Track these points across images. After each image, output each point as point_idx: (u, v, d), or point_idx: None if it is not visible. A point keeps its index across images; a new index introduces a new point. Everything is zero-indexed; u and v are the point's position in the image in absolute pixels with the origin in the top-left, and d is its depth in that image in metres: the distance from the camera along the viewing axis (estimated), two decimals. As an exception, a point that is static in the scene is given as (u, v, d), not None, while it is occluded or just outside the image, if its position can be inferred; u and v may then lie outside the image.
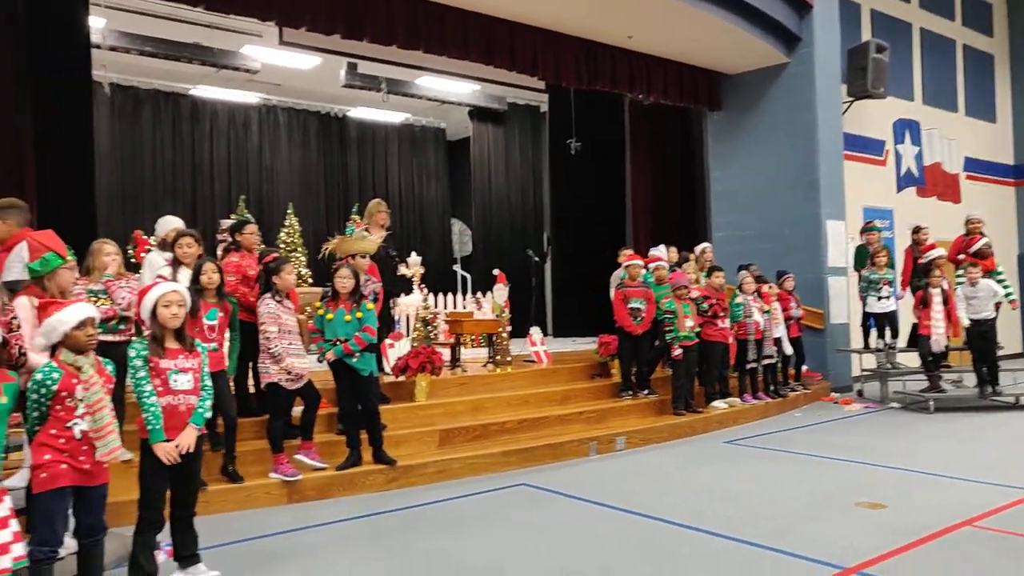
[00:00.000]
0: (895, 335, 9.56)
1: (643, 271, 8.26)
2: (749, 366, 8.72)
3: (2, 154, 6.60)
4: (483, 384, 7.86)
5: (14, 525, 2.93)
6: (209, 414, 3.88)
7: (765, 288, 8.97)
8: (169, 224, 5.86)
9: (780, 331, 9.03)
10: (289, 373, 5.34)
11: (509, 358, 8.53)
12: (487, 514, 5.17)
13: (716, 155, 11.77)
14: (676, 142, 13.14)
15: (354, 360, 5.62)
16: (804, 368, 10.02)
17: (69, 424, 3.32)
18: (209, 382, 3.86)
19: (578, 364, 8.88)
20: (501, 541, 4.59)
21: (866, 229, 10.15)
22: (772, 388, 9.11)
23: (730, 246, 11.04)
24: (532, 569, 4.12)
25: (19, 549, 2.93)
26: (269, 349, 5.36)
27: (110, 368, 3.57)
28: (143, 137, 13.11)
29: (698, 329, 8.01)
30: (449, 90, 13.62)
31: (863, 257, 9.95)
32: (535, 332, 9.19)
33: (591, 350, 9.36)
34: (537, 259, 11.26)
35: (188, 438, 3.65)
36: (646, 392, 8.18)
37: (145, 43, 10.60)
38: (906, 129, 12.71)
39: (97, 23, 9.46)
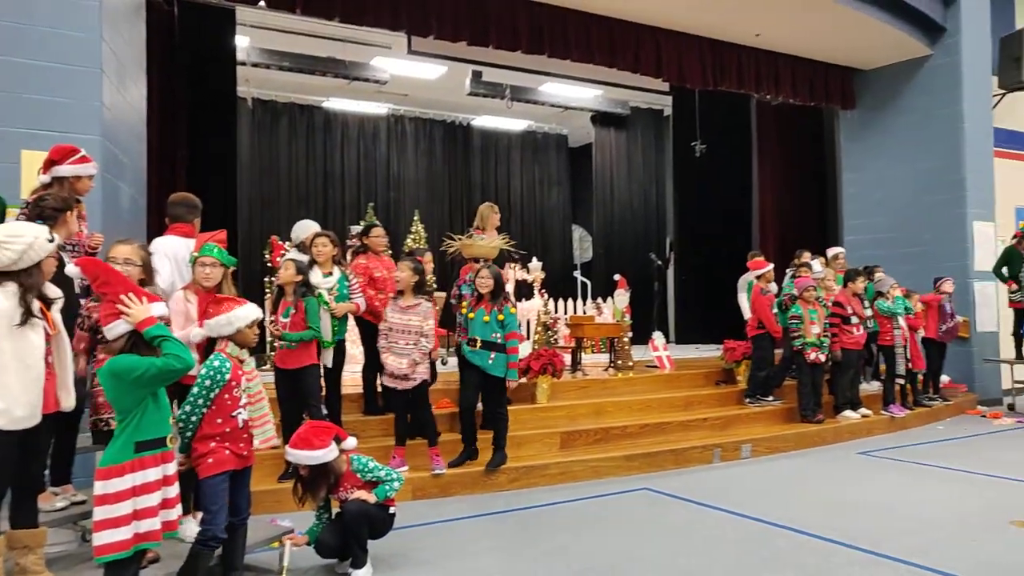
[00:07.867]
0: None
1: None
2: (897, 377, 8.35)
3: (160, 165, 7.16)
4: (604, 388, 7.83)
5: (177, 488, 3.05)
6: None
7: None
8: (306, 228, 6.13)
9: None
10: (391, 373, 5.41)
11: (631, 363, 8.49)
12: (609, 516, 5.13)
13: (849, 155, 11.27)
14: (806, 143, 12.65)
15: (489, 362, 5.60)
16: (946, 380, 9.44)
17: (234, 413, 3.46)
18: None
19: (701, 370, 8.70)
20: (622, 542, 4.54)
21: None
22: (913, 400, 8.68)
23: (863, 250, 10.51)
24: (652, 571, 4.06)
25: (179, 510, 3.05)
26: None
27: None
28: (279, 148, 13.78)
29: (826, 338, 7.68)
30: (572, 96, 13.67)
31: (1016, 260, 9.24)
32: (658, 337, 9.07)
33: (715, 356, 9.16)
34: (660, 263, 11.09)
35: None
36: (771, 399, 7.95)
37: (284, 58, 11.23)
38: (1066, 122, 11.74)
39: (242, 42, 10.07)
